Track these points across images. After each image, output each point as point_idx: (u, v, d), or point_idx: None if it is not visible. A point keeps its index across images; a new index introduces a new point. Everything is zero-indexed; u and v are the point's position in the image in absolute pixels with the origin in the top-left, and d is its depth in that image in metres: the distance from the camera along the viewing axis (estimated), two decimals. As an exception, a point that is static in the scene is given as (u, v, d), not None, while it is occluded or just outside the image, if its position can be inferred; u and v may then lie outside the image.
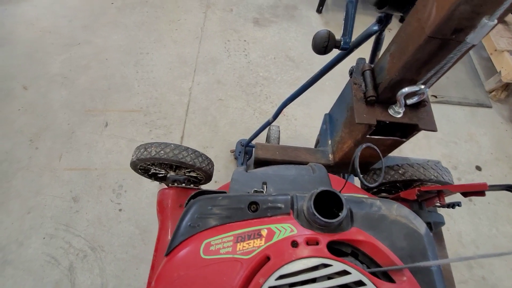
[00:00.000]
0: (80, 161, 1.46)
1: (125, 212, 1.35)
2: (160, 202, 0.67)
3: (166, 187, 0.71)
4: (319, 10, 2.14)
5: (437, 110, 1.87)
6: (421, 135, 1.77)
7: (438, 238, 0.79)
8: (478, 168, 1.69)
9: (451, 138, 1.77)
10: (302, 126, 1.68)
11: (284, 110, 1.64)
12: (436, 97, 1.90)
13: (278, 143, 1.38)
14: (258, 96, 1.76)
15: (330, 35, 0.56)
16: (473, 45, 0.41)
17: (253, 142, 1.40)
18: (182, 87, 1.75)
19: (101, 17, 1.98)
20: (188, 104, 1.69)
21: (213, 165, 0.74)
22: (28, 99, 1.61)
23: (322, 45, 0.55)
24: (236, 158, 1.50)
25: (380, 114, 0.54)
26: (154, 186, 1.42)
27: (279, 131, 1.42)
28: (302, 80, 1.84)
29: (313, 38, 0.57)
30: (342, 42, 0.56)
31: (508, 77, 1.77)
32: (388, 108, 0.55)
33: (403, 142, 0.59)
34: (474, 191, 0.48)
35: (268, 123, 1.15)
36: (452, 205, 0.63)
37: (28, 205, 1.32)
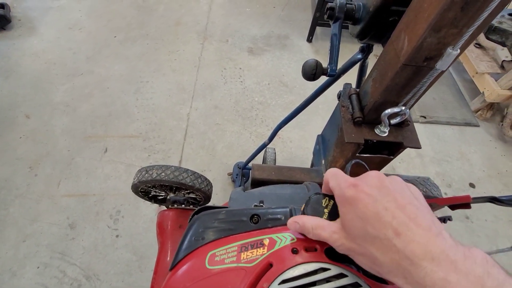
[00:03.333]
0: (78, 187, 1.47)
1: (122, 238, 1.33)
2: (160, 223, 0.69)
3: (165, 209, 0.73)
4: (309, 40, 2.29)
5: (427, 129, 1.94)
6: (414, 155, 1.82)
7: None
8: (472, 185, 1.73)
9: (443, 156, 1.82)
10: (298, 148, 1.72)
11: (280, 133, 1.70)
12: (425, 117, 1.98)
13: (275, 165, 1.41)
14: (254, 120, 1.82)
15: (317, 64, 0.62)
16: (443, 71, 0.47)
17: (250, 164, 1.43)
18: (180, 113, 1.81)
19: (104, 49, 2.09)
20: (186, 129, 1.74)
21: (211, 186, 0.76)
22: (30, 127, 1.65)
23: (311, 72, 0.61)
24: (233, 181, 1.52)
25: (367, 134, 0.59)
26: (152, 211, 1.42)
27: (275, 153, 1.46)
28: (295, 104, 1.91)
29: (303, 66, 0.63)
30: (328, 69, 0.62)
31: (491, 97, 1.87)
32: (374, 128, 0.60)
33: (391, 159, 0.63)
34: (459, 203, 0.51)
35: (264, 146, 1.19)
36: (443, 220, 0.65)
37: (24, 233, 1.31)
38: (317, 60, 0.62)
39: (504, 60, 1.89)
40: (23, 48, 2.03)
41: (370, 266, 0.27)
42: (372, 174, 0.30)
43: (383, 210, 0.25)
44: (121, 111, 1.78)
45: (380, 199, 0.26)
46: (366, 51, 0.69)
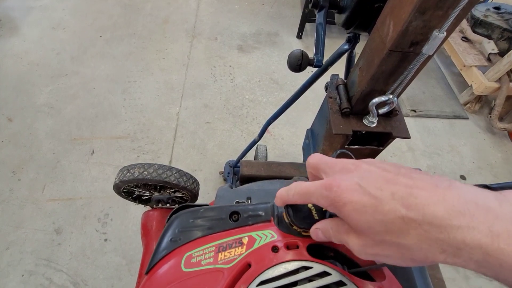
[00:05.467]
0: (64, 191, 1.42)
1: (111, 242, 1.29)
2: (144, 224, 0.66)
3: (150, 209, 0.70)
4: (299, 36, 2.28)
5: (417, 123, 1.95)
6: (405, 149, 1.82)
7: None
8: (463, 177, 1.74)
9: (434, 149, 1.83)
10: (289, 145, 1.70)
11: (271, 130, 1.67)
12: (415, 111, 1.99)
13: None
14: (245, 118, 1.79)
15: (303, 54, 0.60)
16: (430, 56, 0.45)
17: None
18: (169, 112, 1.77)
19: (89, 49, 2.04)
20: (176, 129, 1.70)
21: (198, 184, 0.74)
22: (12, 131, 1.59)
23: (296, 63, 0.59)
24: (225, 180, 1.49)
25: (355, 125, 0.57)
26: (141, 213, 1.38)
27: (267, 150, 1.43)
28: (287, 100, 1.90)
29: (288, 57, 0.61)
30: (315, 60, 0.61)
31: (479, 90, 1.88)
32: (362, 118, 0.58)
33: (381, 150, 0.62)
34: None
35: (254, 142, 1.17)
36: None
37: (7, 241, 1.25)
38: (302, 50, 0.60)
39: (490, 53, 1.91)
40: (4, 49, 1.96)
41: (403, 258, 0.23)
42: (346, 163, 0.26)
43: (378, 191, 0.22)
44: (108, 112, 1.73)
45: (368, 185, 0.23)
46: (353, 41, 0.67)
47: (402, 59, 0.47)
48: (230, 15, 2.42)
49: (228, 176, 1.46)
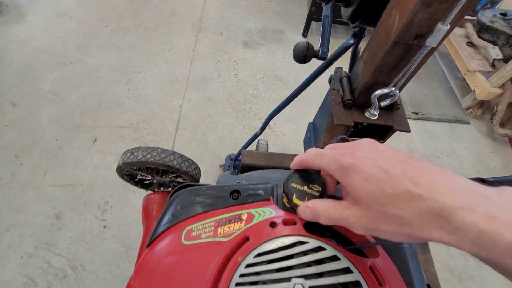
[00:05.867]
0: (66, 177, 1.43)
1: (110, 229, 1.31)
2: (145, 207, 0.67)
3: (151, 192, 0.71)
4: (304, 34, 2.28)
5: (419, 126, 1.96)
6: (405, 150, 1.82)
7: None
8: (462, 181, 1.74)
9: (434, 152, 1.84)
10: (290, 142, 1.71)
11: (273, 126, 1.69)
12: (417, 114, 2.00)
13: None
14: (247, 113, 1.80)
15: (309, 46, 0.61)
16: (432, 49, 0.46)
17: (242, 155, 1.41)
18: (173, 104, 1.78)
19: (95, 39, 2.05)
20: (178, 121, 1.71)
21: (199, 171, 0.75)
22: (16, 115, 1.60)
23: (302, 54, 0.60)
24: (225, 173, 1.50)
25: (357, 116, 0.58)
26: (141, 201, 1.39)
27: (267, 144, 1.44)
28: (290, 97, 1.91)
29: (294, 48, 0.62)
30: (320, 52, 0.61)
31: (481, 95, 1.89)
32: (364, 111, 0.59)
33: (382, 143, 0.62)
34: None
35: (255, 136, 1.18)
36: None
37: (7, 223, 1.27)
38: (308, 42, 0.61)
39: (495, 59, 1.91)
40: (10, 35, 1.97)
41: (399, 232, 0.23)
42: (364, 141, 0.28)
43: (390, 167, 0.24)
44: (111, 101, 1.74)
45: (382, 160, 0.24)
46: (358, 36, 0.68)
47: (406, 51, 0.47)
48: (236, 10, 2.43)
49: (228, 169, 1.47)
